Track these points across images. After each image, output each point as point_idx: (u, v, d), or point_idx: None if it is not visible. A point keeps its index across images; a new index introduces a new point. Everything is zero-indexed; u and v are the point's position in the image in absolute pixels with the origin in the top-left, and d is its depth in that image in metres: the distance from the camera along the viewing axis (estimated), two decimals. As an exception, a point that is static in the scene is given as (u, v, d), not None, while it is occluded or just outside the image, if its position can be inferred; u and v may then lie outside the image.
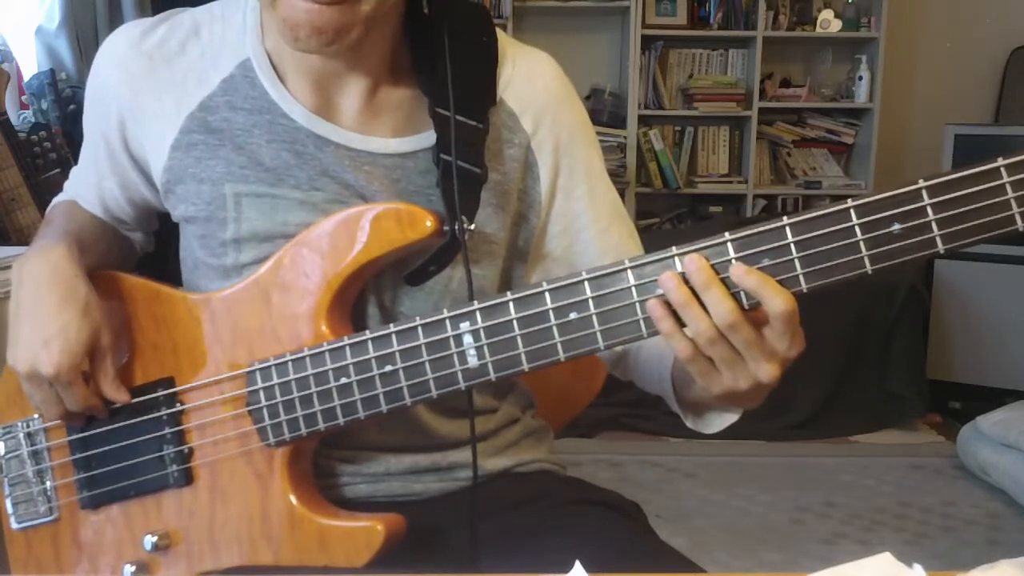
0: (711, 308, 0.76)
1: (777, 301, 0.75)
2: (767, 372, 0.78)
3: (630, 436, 3.33)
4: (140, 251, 1.13)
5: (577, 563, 0.70)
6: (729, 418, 0.93)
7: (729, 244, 0.77)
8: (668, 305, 0.78)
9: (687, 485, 3.01)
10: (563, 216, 1.02)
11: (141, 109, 0.98)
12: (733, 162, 4.38)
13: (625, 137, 4.16)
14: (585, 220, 1.02)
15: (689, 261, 0.77)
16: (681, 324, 0.78)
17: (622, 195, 4.11)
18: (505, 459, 1.05)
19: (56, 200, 1.12)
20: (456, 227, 0.90)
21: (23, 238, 2.32)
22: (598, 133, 4.31)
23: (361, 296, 0.95)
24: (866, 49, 4.25)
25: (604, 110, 4.19)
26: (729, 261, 0.77)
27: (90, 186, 1.06)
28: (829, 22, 4.22)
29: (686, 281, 0.77)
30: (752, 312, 0.77)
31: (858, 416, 3.52)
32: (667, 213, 4.37)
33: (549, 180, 1.01)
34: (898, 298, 3.57)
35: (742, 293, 0.77)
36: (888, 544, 2.01)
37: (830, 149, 4.43)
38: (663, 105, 4.27)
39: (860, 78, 4.22)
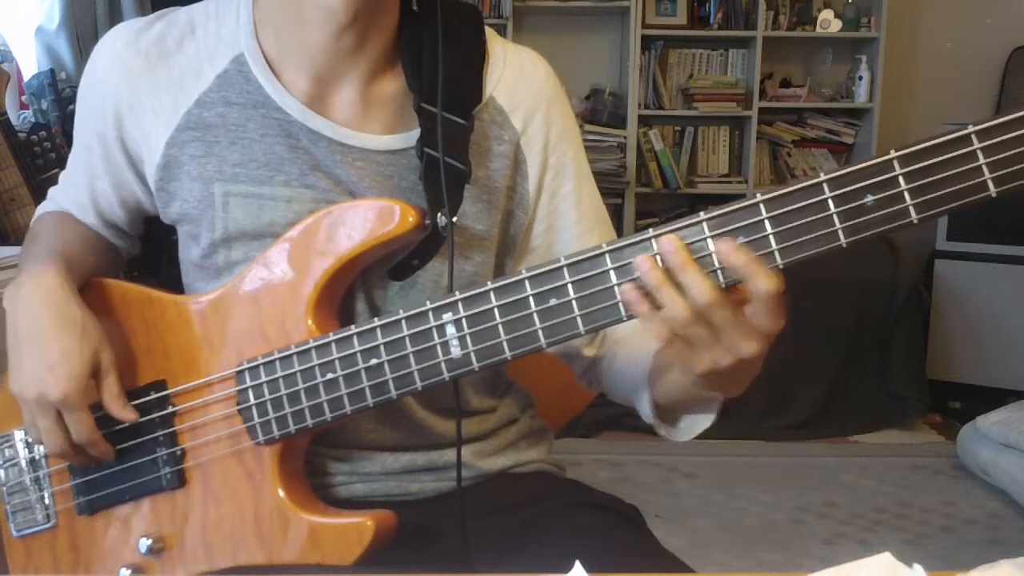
0: (689, 288, 0.75)
1: (764, 281, 0.74)
2: (748, 348, 0.77)
3: (630, 436, 3.33)
4: (126, 256, 1.12)
5: (577, 563, 0.70)
6: (702, 423, 0.94)
7: (704, 223, 0.76)
8: (643, 288, 0.77)
9: (687, 485, 3.01)
10: (548, 214, 1.03)
11: (138, 105, 0.98)
12: (733, 162, 4.38)
13: (625, 137, 4.16)
14: (568, 220, 1.03)
15: (665, 242, 0.76)
16: (658, 307, 0.77)
17: (622, 195, 4.13)
18: (503, 459, 1.05)
19: (40, 210, 1.11)
20: (438, 221, 0.90)
21: (22, 238, 2.30)
22: (598, 133, 4.30)
23: (351, 296, 0.95)
24: (866, 49, 4.25)
25: (604, 110, 4.19)
26: (705, 240, 0.76)
27: (82, 188, 1.06)
28: (829, 22, 4.22)
29: (662, 262, 0.76)
30: (731, 290, 0.76)
31: (858, 416, 3.52)
32: (667, 213, 4.36)
33: (537, 178, 1.01)
34: (898, 298, 3.57)
35: (719, 272, 0.76)
36: (888, 544, 2.01)
37: (830, 149, 4.43)
38: (663, 105, 4.27)
39: (860, 78, 4.22)
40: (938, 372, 3.70)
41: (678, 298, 0.76)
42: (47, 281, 0.93)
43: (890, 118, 4.27)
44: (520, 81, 1.00)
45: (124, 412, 0.94)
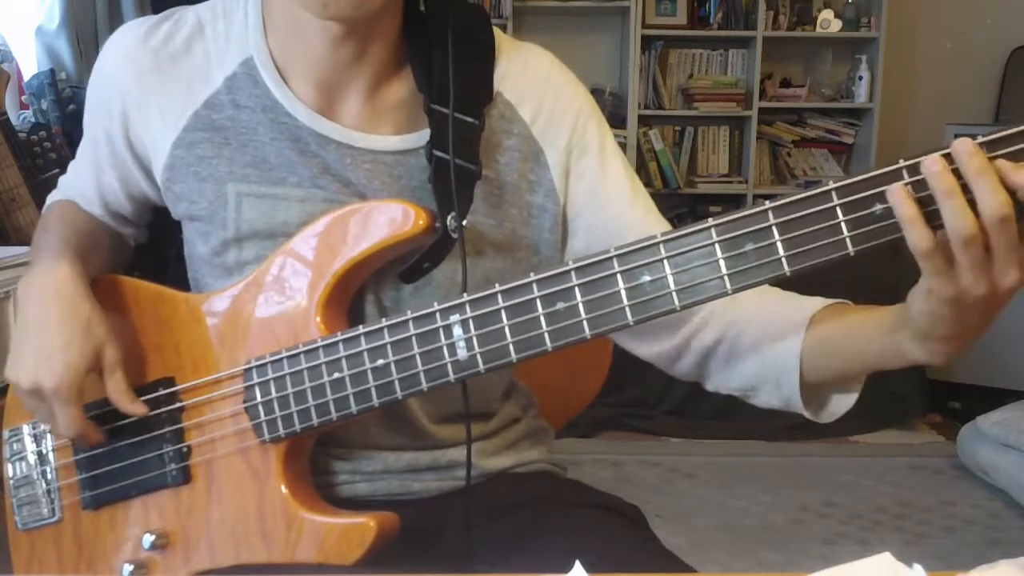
0: (984, 198, 0.67)
1: None
2: (1014, 278, 0.69)
3: (630, 436, 3.33)
4: (133, 244, 1.13)
5: (577, 563, 0.70)
6: (849, 400, 0.91)
7: (712, 229, 0.76)
8: (910, 191, 0.69)
9: (687, 485, 3.01)
10: (579, 197, 1.00)
11: (146, 104, 0.98)
12: (733, 162, 4.38)
13: (625, 137, 4.16)
14: (601, 198, 1.00)
15: (960, 144, 0.68)
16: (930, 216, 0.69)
17: (622, 195, 4.12)
18: (504, 459, 1.05)
19: (51, 199, 1.12)
20: (449, 223, 0.90)
21: (23, 238, 2.32)
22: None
23: (362, 297, 0.95)
24: (866, 49, 4.25)
25: (604, 110, 4.10)
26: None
27: (89, 180, 1.06)
28: (829, 22, 4.23)
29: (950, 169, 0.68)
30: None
31: (858, 416, 3.49)
32: (667, 213, 4.26)
33: (560, 164, 0.99)
34: (899, 298, 3.56)
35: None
36: (888, 544, 2.01)
37: (830, 149, 4.43)
38: (663, 105, 4.27)
39: (860, 78, 4.23)
40: (938, 372, 3.70)
41: (967, 210, 0.67)
42: (59, 275, 0.94)
43: (890, 118, 4.28)
44: (525, 73, 1.00)
45: (133, 407, 0.94)
